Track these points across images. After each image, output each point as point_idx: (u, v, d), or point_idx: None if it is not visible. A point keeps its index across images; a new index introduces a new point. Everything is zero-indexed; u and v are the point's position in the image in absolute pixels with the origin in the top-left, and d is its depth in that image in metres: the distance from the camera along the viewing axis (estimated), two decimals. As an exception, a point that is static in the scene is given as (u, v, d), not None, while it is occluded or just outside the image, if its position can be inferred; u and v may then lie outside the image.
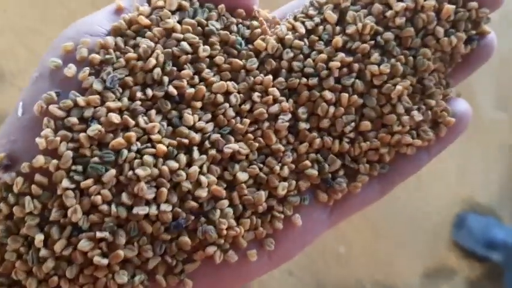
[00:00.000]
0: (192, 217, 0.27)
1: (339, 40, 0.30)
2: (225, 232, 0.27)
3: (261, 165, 0.28)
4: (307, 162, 0.29)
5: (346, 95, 0.29)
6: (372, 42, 0.30)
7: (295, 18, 0.31)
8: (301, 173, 0.29)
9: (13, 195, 0.26)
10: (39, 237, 0.25)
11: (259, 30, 0.30)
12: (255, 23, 0.31)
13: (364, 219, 0.93)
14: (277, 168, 0.28)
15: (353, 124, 0.29)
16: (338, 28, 0.30)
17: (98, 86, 0.27)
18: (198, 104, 0.28)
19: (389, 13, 0.30)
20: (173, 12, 0.30)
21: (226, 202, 0.27)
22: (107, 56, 0.28)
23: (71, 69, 0.27)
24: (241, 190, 0.28)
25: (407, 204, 0.96)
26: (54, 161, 0.26)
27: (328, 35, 0.30)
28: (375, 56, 0.29)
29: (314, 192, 0.29)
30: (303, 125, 0.29)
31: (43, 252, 0.25)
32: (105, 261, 0.25)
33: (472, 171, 1.01)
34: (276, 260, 0.29)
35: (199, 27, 0.30)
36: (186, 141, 0.27)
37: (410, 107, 0.30)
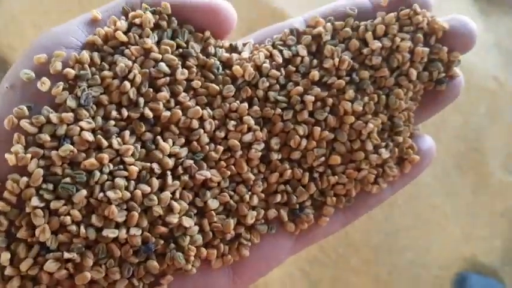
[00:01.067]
0: (162, 241, 0.27)
1: (315, 74, 0.30)
2: (193, 259, 0.27)
3: (232, 193, 0.29)
4: (277, 196, 0.30)
5: (319, 129, 0.30)
6: (347, 78, 0.30)
7: (274, 46, 0.32)
8: (270, 202, 0.30)
9: None
10: (5, 256, 0.25)
11: (236, 55, 0.31)
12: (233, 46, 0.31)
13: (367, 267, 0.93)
14: (247, 196, 0.29)
15: (323, 158, 0.30)
16: (315, 61, 0.31)
17: (71, 103, 0.27)
18: (173, 128, 0.28)
19: (366, 50, 0.31)
20: (151, 31, 0.29)
21: (196, 229, 0.28)
22: (82, 72, 0.27)
23: (45, 84, 0.27)
24: (211, 217, 0.28)
25: (412, 256, 0.95)
26: (24, 178, 0.25)
27: (305, 67, 0.31)
28: (349, 93, 0.30)
29: (281, 221, 0.30)
30: (275, 156, 0.30)
31: (8, 271, 0.25)
32: None
33: (478, 231, 0.99)
34: (240, 284, 0.29)
35: (177, 49, 0.29)
36: (158, 167, 0.27)
37: (378, 143, 0.31)
